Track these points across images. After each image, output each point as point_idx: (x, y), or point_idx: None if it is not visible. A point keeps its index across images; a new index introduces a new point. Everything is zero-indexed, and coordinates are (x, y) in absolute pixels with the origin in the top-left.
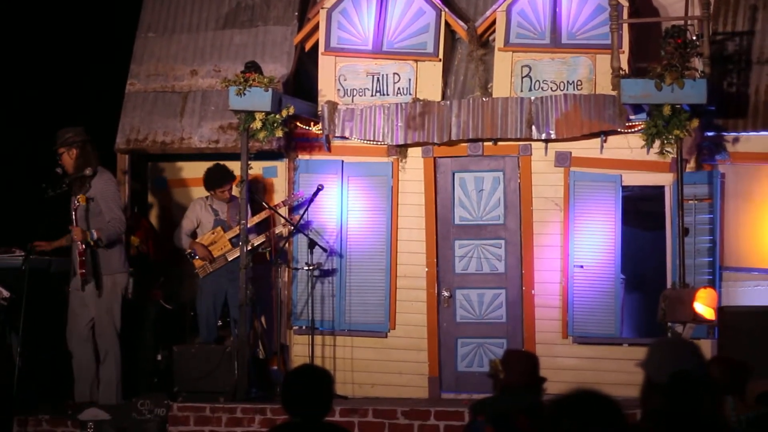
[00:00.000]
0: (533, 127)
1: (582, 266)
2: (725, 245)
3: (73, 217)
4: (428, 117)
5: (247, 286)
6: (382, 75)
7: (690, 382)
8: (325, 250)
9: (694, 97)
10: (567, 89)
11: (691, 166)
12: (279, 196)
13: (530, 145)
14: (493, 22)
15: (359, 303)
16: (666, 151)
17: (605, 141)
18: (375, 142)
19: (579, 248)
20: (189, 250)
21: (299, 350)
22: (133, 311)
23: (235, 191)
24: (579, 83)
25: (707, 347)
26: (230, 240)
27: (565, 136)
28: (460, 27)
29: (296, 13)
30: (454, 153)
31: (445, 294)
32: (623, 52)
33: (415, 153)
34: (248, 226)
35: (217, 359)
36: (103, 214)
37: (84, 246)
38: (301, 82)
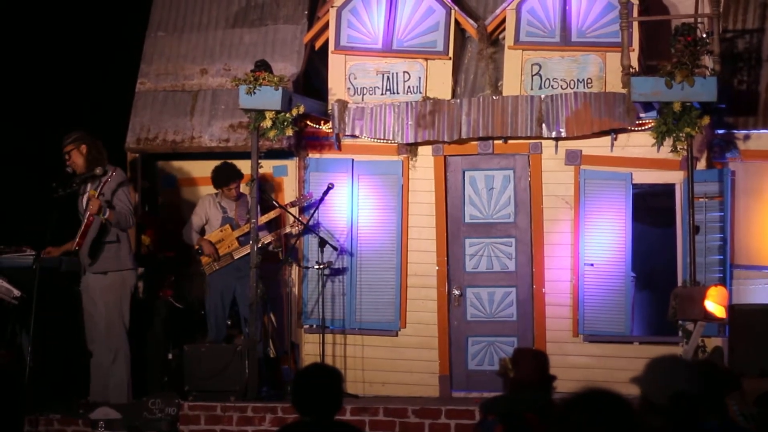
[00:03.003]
0: (543, 126)
1: (592, 264)
2: (736, 243)
3: (83, 216)
4: (438, 115)
5: (258, 285)
6: (392, 73)
7: (690, 405)
8: (335, 248)
9: (705, 95)
10: (577, 87)
11: (701, 164)
12: (289, 194)
13: (540, 143)
14: (503, 21)
15: (370, 302)
16: (680, 149)
17: (615, 139)
18: (385, 141)
19: (589, 246)
20: (197, 247)
21: (310, 349)
22: (144, 310)
23: (245, 189)
24: (589, 81)
25: (713, 347)
26: (238, 238)
27: (576, 134)
28: (470, 25)
29: (306, 12)
30: (464, 151)
31: (456, 292)
32: (633, 50)
33: (425, 151)
34: (258, 224)
35: (227, 358)
36: (113, 203)
37: (92, 219)
38: (311, 80)
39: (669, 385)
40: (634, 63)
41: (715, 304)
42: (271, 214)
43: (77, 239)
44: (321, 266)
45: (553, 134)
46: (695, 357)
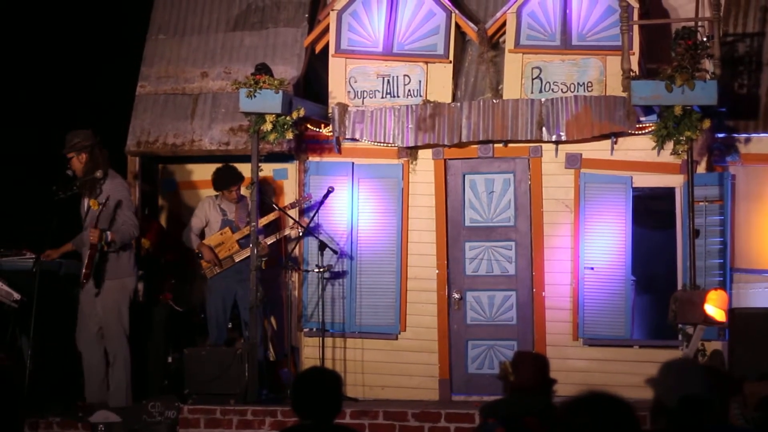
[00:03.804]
0: (544, 129)
1: (592, 268)
2: (736, 247)
3: (85, 220)
4: (438, 119)
5: (258, 288)
6: (393, 77)
7: (697, 409)
8: (335, 252)
9: (705, 99)
10: (577, 91)
11: (701, 167)
12: (289, 197)
13: (541, 146)
14: (504, 24)
15: (370, 305)
16: (680, 152)
17: (616, 142)
18: (385, 144)
19: (589, 250)
20: (197, 251)
21: (310, 352)
22: (144, 313)
23: (245, 192)
24: (589, 85)
25: (712, 350)
26: (238, 241)
27: (576, 137)
28: (470, 29)
29: (306, 15)
30: (464, 155)
31: (456, 296)
32: (633, 54)
33: (425, 155)
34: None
35: (227, 361)
36: (115, 219)
37: (94, 250)
38: (312, 84)
39: (681, 389)
40: (635, 66)
41: (715, 308)
42: (270, 217)
43: (84, 271)
44: (321, 269)
45: (554, 138)
46: (695, 361)
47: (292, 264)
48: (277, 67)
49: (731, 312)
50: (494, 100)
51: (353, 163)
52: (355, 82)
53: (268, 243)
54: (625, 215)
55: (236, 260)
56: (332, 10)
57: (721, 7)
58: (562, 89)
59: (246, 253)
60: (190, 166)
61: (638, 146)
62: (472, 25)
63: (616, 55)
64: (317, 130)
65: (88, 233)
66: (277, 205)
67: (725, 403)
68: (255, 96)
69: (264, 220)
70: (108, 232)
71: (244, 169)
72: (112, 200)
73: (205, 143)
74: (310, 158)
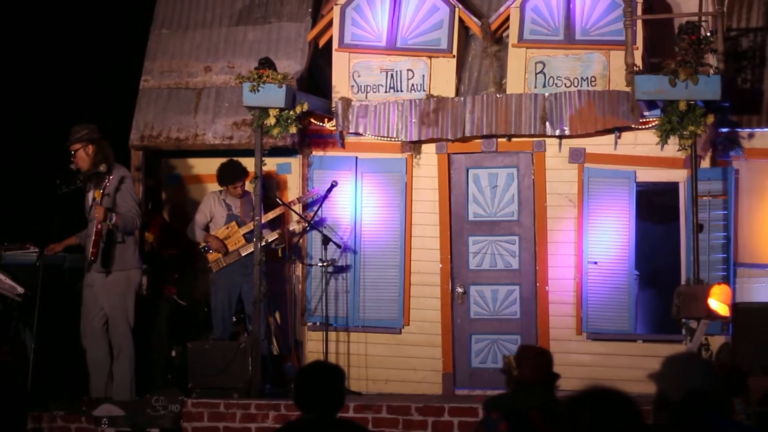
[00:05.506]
0: (547, 124)
1: (596, 262)
2: (739, 241)
3: (89, 214)
4: (442, 113)
5: (262, 283)
6: (396, 71)
7: (701, 404)
8: (339, 246)
9: (709, 94)
10: (581, 85)
11: (705, 162)
12: (293, 192)
13: (544, 141)
14: (507, 18)
15: (373, 299)
16: (686, 147)
17: (619, 137)
18: (389, 139)
19: (593, 244)
20: (203, 244)
21: (313, 346)
22: (148, 307)
23: (249, 186)
24: (593, 79)
25: (721, 344)
26: (244, 235)
27: (579, 132)
28: (473, 23)
29: (310, 10)
30: (468, 149)
31: (459, 290)
32: (637, 48)
33: (429, 149)
34: (262, 222)
35: (231, 355)
36: (119, 205)
37: (101, 226)
38: (315, 78)
39: (684, 383)
40: (638, 61)
41: (718, 303)
42: (277, 211)
43: (91, 249)
44: (324, 264)
45: (557, 132)
46: (698, 355)
47: (295, 258)
48: (280, 61)
49: (735, 306)
50: (498, 95)
51: (357, 157)
52: (359, 76)
53: (270, 240)
54: (628, 210)
55: (242, 254)
56: (335, 4)
57: (724, 2)
58: (565, 84)
59: (252, 247)
60: (194, 161)
61: (642, 141)
62: (475, 19)
63: (619, 50)
64: (321, 124)
65: (94, 212)
66: (281, 200)
67: (730, 399)
68: (258, 90)
69: (269, 215)
70: (113, 213)
71: (248, 163)
72: (116, 192)
73: (208, 137)
74: (314, 152)
